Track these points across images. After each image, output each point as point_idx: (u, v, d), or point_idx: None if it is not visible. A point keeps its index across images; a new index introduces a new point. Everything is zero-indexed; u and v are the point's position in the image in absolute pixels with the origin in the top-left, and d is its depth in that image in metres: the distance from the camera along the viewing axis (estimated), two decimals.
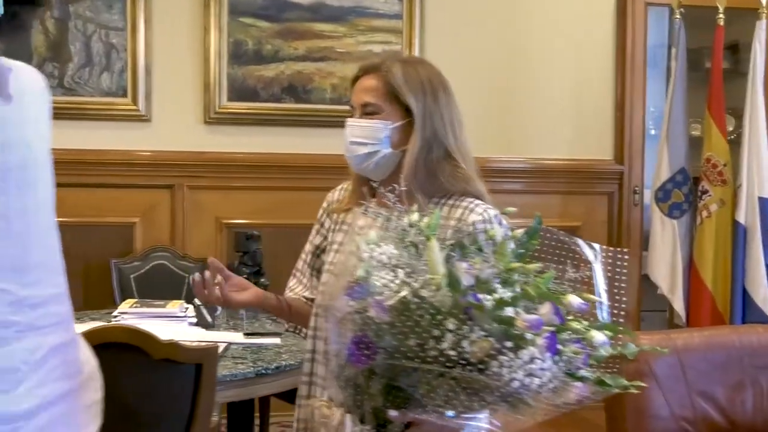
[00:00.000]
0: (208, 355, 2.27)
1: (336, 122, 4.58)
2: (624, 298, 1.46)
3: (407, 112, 1.82)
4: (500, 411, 1.30)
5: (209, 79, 4.52)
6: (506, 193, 4.72)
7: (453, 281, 1.27)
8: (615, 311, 1.46)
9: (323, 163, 4.60)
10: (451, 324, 1.25)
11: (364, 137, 1.83)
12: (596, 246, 1.45)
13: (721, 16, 4.44)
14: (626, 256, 1.44)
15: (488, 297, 1.27)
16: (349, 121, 1.88)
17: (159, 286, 4.23)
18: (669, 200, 4.41)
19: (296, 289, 2.06)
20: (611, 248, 1.45)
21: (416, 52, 4.69)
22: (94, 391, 1.59)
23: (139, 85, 4.46)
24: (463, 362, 1.24)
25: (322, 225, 2.03)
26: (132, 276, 4.33)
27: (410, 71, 1.85)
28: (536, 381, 1.25)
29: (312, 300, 1.99)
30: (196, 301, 3.54)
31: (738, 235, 4.22)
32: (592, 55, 4.89)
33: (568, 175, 4.88)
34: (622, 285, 1.46)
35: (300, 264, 2.08)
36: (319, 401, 1.42)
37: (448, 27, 4.75)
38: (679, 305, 4.40)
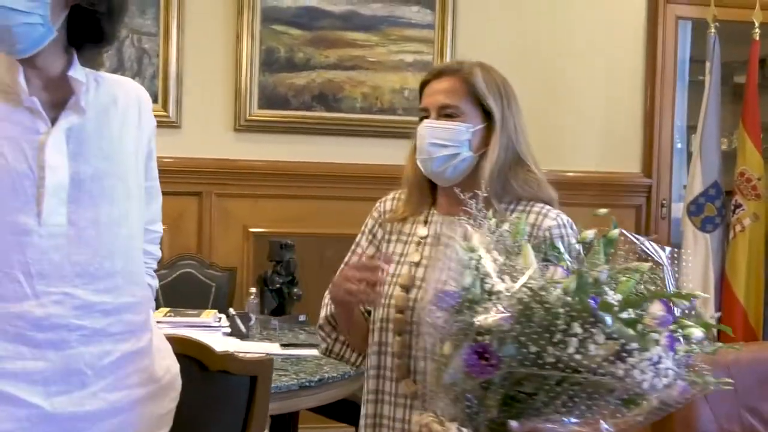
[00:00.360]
0: (263, 366, 2.25)
1: (366, 131, 4.65)
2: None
3: (485, 116, 1.80)
4: (617, 414, 1.29)
5: (240, 86, 4.51)
6: None
7: (583, 284, 1.25)
8: (687, 311, 1.45)
9: (353, 173, 4.60)
10: (577, 328, 1.23)
11: (445, 139, 1.78)
12: (666, 248, 1.44)
13: (756, 30, 4.42)
14: (690, 257, 1.43)
15: (615, 298, 1.27)
16: (427, 122, 1.81)
17: (186, 295, 4.19)
18: (702, 214, 4.39)
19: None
20: (675, 249, 1.44)
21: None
22: (171, 400, 1.62)
23: (170, 92, 4.45)
24: (583, 367, 1.23)
25: (374, 236, 1.96)
26: (159, 284, 4.29)
27: (489, 75, 1.84)
28: (664, 381, 1.25)
29: (368, 312, 1.91)
30: (231, 310, 3.52)
31: None
32: (623, 68, 4.87)
33: (596, 188, 4.85)
34: (690, 285, 1.46)
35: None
36: (427, 417, 1.39)
37: (480, 38, 4.73)
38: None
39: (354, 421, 3.48)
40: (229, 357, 2.19)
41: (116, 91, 1.58)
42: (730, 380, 1.41)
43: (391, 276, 1.83)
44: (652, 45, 4.85)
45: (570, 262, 1.39)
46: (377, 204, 2.02)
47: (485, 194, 1.53)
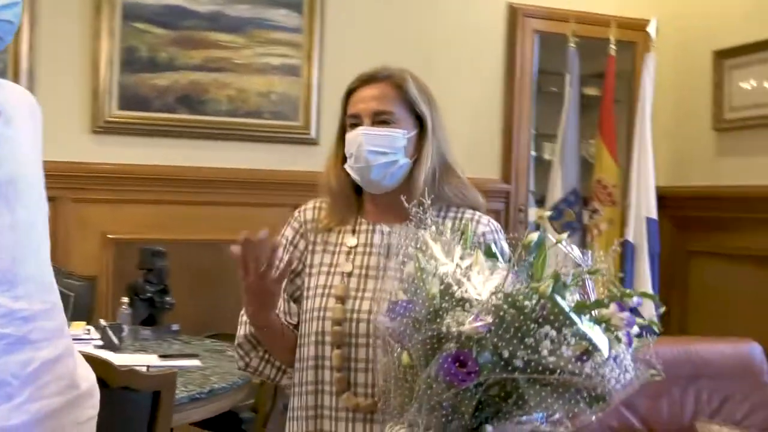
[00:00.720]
0: (166, 381, 2.14)
1: (232, 135, 4.53)
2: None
3: (416, 122, 1.79)
4: (582, 410, 1.31)
5: (98, 86, 4.28)
6: None
7: (559, 288, 1.27)
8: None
9: (219, 177, 4.47)
10: (551, 330, 1.25)
11: (384, 146, 1.74)
12: (588, 252, 1.48)
13: (612, 47, 4.67)
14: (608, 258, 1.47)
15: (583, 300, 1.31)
16: (363, 129, 1.76)
17: None
18: (561, 219, 4.57)
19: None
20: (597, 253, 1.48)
21: (315, 67, 4.64)
22: (90, 407, 1.56)
23: None
24: (556, 368, 1.25)
25: (295, 246, 1.87)
26: None
27: (417, 82, 1.83)
28: (626, 376, 1.29)
29: (295, 326, 1.84)
30: (102, 321, 3.33)
31: (626, 252, 4.42)
32: (484, 79, 5.01)
33: None
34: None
35: None
36: (399, 428, 1.34)
37: (348, 43, 4.73)
38: None
39: (234, 430, 3.39)
40: (131, 373, 2.08)
41: (17, 94, 1.53)
42: (659, 373, 1.46)
43: (323, 287, 1.77)
44: (511, 57, 5.01)
45: (503, 265, 1.40)
46: (296, 214, 1.93)
47: (428, 201, 1.49)
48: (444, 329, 1.27)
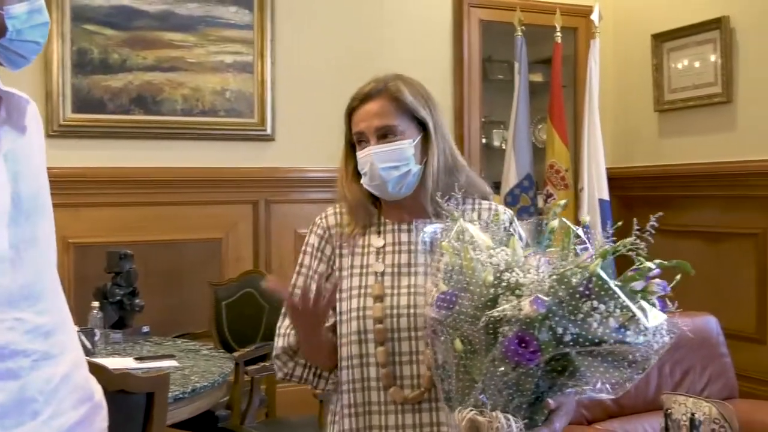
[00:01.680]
0: (160, 383, 2.14)
1: (189, 134, 4.50)
2: None
3: (420, 126, 1.82)
4: (628, 377, 1.41)
5: (51, 89, 4.21)
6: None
7: (606, 265, 1.36)
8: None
9: (176, 177, 4.45)
10: (600, 304, 1.33)
11: (395, 160, 1.78)
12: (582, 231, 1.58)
13: (558, 34, 4.76)
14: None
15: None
16: (373, 149, 1.79)
17: None
18: (517, 204, 4.65)
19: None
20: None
21: (268, 63, 4.64)
22: (102, 419, 1.54)
23: None
24: (604, 339, 1.34)
25: (323, 252, 1.89)
26: None
27: (412, 87, 1.85)
28: (665, 339, 1.39)
29: (332, 328, 1.86)
30: (74, 327, 3.29)
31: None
32: (433, 68, 5.04)
33: None
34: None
35: (302, 287, 1.94)
36: (467, 411, 1.41)
37: (299, 37, 4.74)
38: None
39: (212, 430, 3.39)
40: (126, 376, 2.07)
41: (18, 102, 1.47)
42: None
43: (359, 288, 1.81)
44: (459, 46, 5.07)
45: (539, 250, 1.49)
46: (317, 221, 1.94)
47: (458, 195, 1.59)
48: (503, 314, 1.35)
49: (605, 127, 4.92)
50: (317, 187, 4.77)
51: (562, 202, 1.73)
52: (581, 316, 1.33)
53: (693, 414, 3.04)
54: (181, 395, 2.69)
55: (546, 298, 1.33)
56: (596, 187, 4.63)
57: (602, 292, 1.33)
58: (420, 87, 1.87)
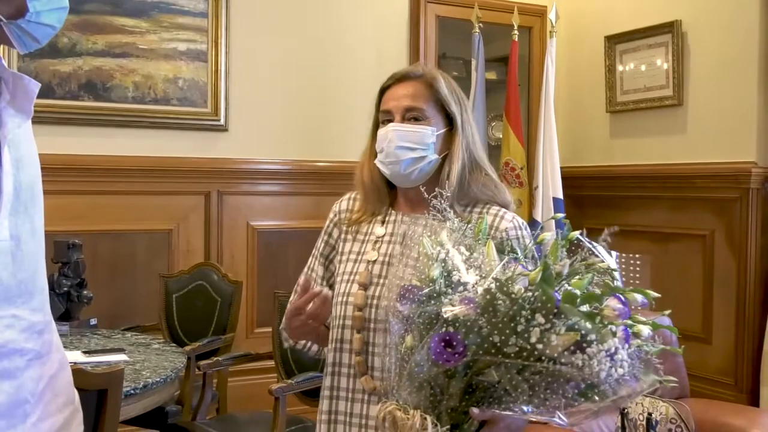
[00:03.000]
0: (113, 379, 2.03)
1: (140, 122, 4.36)
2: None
3: (447, 120, 1.81)
4: (572, 405, 1.32)
5: None
6: (305, 195, 4.71)
7: (548, 277, 1.27)
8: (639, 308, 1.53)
9: (126, 166, 4.31)
10: (540, 318, 1.25)
11: (414, 142, 1.77)
12: (614, 253, 1.49)
13: (516, 32, 4.73)
14: (639, 262, 1.50)
15: (576, 290, 1.30)
16: (394, 125, 1.78)
17: None
18: None
19: None
20: (627, 254, 1.50)
21: (222, 52, 4.52)
22: (78, 425, 1.46)
23: None
24: (544, 356, 1.25)
25: (329, 235, 1.94)
26: None
27: (448, 82, 1.85)
28: (619, 371, 1.28)
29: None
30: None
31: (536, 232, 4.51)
32: (390, 64, 4.97)
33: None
34: (638, 284, 1.53)
35: (314, 276, 1.94)
36: (390, 405, 1.36)
37: (254, 27, 4.63)
38: None
39: (162, 426, 3.28)
40: (78, 372, 1.95)
41: (27, 84, 1.37)
42: (674, 378, 1.49)
43: (349, 274, 1.81)
44: (415, 41, 5.02)
45: (526, 261, 1.41)
46: (334, 205, 1.97)
47: (448, 194, 1.56)
48: (438, 311, 1.29)
49: (557, 127, 4.91)
50: (271, 179, 4.67)
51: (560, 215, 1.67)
52: (522, 328, 1.25)
53: (650, 413, 3.04)
54: (132, 391, 2.59)
55: (478, 300, 1.27)
56: (551, 186, 4.62)
57: (541, 306, 1.25)
58: (456, 85, 1.87)
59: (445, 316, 1.29)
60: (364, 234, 1.87)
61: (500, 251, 1.44)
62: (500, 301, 1.29)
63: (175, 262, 4.41)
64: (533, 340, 1.26)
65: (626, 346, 1.31)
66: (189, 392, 3.40)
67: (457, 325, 1.29)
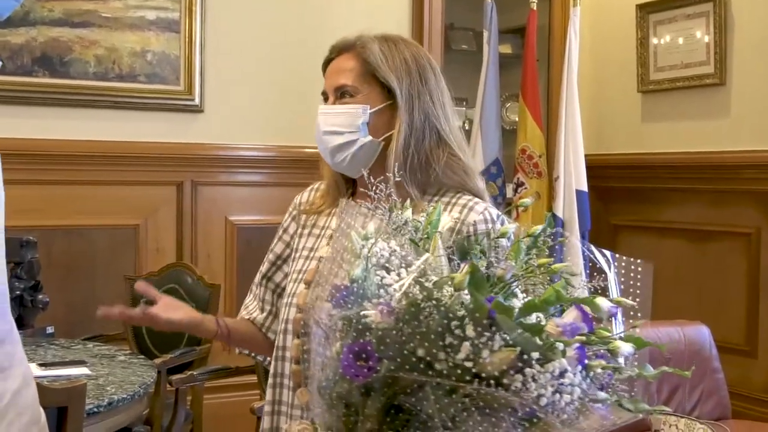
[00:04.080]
0: (74, 395, 2.05)
1: (102, 102, 4.38)
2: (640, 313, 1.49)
3: (389, 93, 1.79)
4: None
5: None
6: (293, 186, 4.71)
7: (478, 281, 1.22)
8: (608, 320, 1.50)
9: (87, 152, 4.32)
10: (470, 330, 1.18)
11: (340, 125, 1.79)
12: (608, 253, 1.47)
13: (534, 0, 4.75)
14: (640, 269, 1.47)
15: (515, 300, 1.25)
16: (322, 108, 1.83)
17: None
18: None
19: (250, 307, 1.95)
20: (626, 257, 1.48)
21: (197, 21, 4.53)
22: None
23: None
24: (478, 376, 1.18)
25: (285, 230, 1.97)
26: None
27: (390, 47, 1.82)
28: (566, 398, 1.20)
29: (262, 323, 1.95)
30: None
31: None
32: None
33: None
34: (637, 294, 1.51)
35: (257, 277, 1.98)
36: (299, 424, 1.35)
37: None
38: None
39: None
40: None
41: None
42: (667, 408, 1.48)
43: (298, 273, 1.82)
44: (419, 10, 5.03)
45: (493, 260, 1.34)
46: (296, 197, 2.00)
47: (397, 179, 1.52)
48: (350, 316, 1.24)
49: (581, 109, 4.93)
50: (252, 167, 4.69)
51: (528, 200, 1.67)
52: (449, 340, 1.19)
53: None
54: (95, 409, 2.61)
55: (397, 307, 1.21)
56: (573, 177, 4.63)
57: (476, 314, 1.19)
58: (410, 53, 1.83)
59: (358, 321, 1.24)
60: (320, 228, 1.88)
61: (465, 250, 1.40)
62: (424, 308, 1.22)
63: (142, 263, 4.43)
64: (461, 356, 1.19)
65: (579, 368, 1.22)
66: (159, 411, 3.42)
67: (368, 335, 1.23)
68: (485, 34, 4.77)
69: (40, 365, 3.02)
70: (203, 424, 3.80)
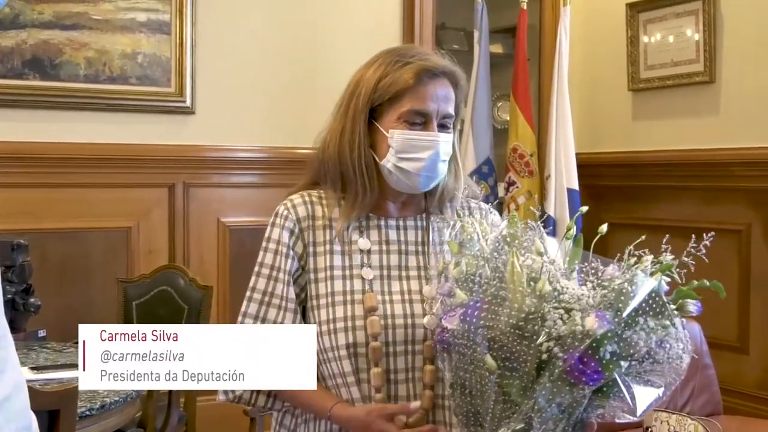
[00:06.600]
0: (66, 398, 2.05)
1: (92, 104, 4.37)
2: None
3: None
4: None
5: None
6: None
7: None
8: None
9: (78, 154, 4.32)
10: (650, 320, 1.43)
11: (448, 154, 1.81)
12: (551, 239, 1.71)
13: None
14: None
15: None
16: (444, 137, 1.78)
17: None
18: None
19: None
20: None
21: (188, 23, 4.53)
22: None
23: None
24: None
25: (292, 249, 1.81)
26: None
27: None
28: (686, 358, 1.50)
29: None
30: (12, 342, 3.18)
31: (548, 227, 4.54)
32: (380, 36, 4.99)
33: None
34: None
35: (281, 302, 1.81)
36: None
37: None
38: None
39: None
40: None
41: None
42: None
43: (342, 293, 1.76)
44: (410, 10, 5.03)
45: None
46: (283, 212, 1.86)
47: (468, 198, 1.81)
48: (560, 330, 1.38)
49: (572, 108, 4.94)
50: (244, 168, 4.69)
51: (519, 200, 1.79)
52: (631, 333, 1.39)
53: None
54: (87, 412, 2.61)
55: (608, 314, 1.37)
56: (565, 175, 4.64)
57: (657, 308, 1.41)
58: None
59: (585, 330, 1.39)
60: (342, 244, 1.80)
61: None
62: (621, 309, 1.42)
63: (135, 265, 4.43)
64: (641, 344, 1.43)
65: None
66: (152, 414, 3.42)
67: (576, 341, 1.41)
68: (476, 34, 4.78)
69: (32, 368, 3.02)
70: (196, 426, 3.80)
